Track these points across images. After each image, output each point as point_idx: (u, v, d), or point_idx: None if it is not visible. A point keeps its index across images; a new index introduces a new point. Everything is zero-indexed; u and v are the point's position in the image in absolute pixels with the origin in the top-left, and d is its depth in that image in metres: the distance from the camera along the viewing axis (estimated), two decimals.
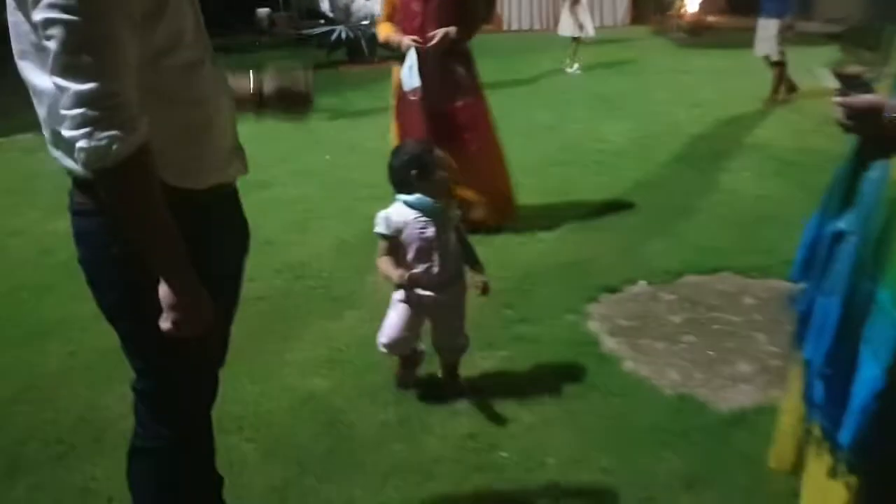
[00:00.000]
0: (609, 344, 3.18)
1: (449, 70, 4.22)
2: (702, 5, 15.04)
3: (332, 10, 14.28)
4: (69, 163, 1.45)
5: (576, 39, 10.72)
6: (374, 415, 2.72)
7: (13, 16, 1.36)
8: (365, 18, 13.70)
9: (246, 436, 2.62)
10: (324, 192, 5.47)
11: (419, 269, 2.63)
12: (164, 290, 1.44)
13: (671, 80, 9.66)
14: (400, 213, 2.64)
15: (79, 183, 1.51)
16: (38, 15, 1.26)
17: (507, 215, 4.50)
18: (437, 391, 2.84)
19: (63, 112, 1.28)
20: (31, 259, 4.35)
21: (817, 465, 1.99)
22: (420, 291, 2.66)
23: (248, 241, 1.77)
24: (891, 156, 1.73)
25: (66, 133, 1.29)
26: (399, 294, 2.73)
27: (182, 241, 1.41)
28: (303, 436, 2.64)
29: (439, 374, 2.92)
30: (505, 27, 16.16)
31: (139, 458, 1.76)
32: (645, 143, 6.43)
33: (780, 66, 7.80)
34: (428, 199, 2.62)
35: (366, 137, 6.93)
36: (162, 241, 1.40)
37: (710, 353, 3.10)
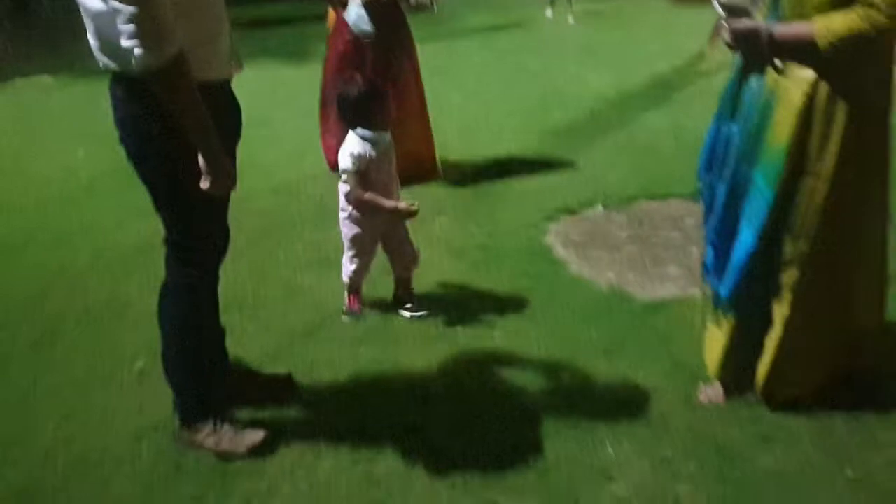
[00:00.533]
0: (560, 253, 3.68)
1: (392, 24, 4.31)
2: None
3: None
4: (112, 64, 1.94)
5: None
6: None
7: None
8: None
9: (245, 314, 3.13)
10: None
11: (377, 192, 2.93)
12: (202, 159, 1.93)
13: (660, 34, 9.91)
14: (362, 147, 2.87)
15: (120, 79, 1.99)
16: None
17: (428, 178, 4.54)
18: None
19: (120, 27, 1.77)
20: (55, 178, 4.84)
21: (711, 323, 2.51)
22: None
23: (241, 125, 2.25)
24: (765, 69, 2.20)
25: (125, 43, 1.78)
26: (353, 228, 3.01)
27: (210, 119, 1.90)
28: (292, 316, 3.15)
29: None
30: None
31: (168, 295, 2.28)
32: (623, 90, 6.85)
33: None
34: (384, 133, 2.94)
35: None
36: (197, 121, 1.90)
37: (646, 260, 3.60)
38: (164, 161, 2.04)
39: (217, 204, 2.15)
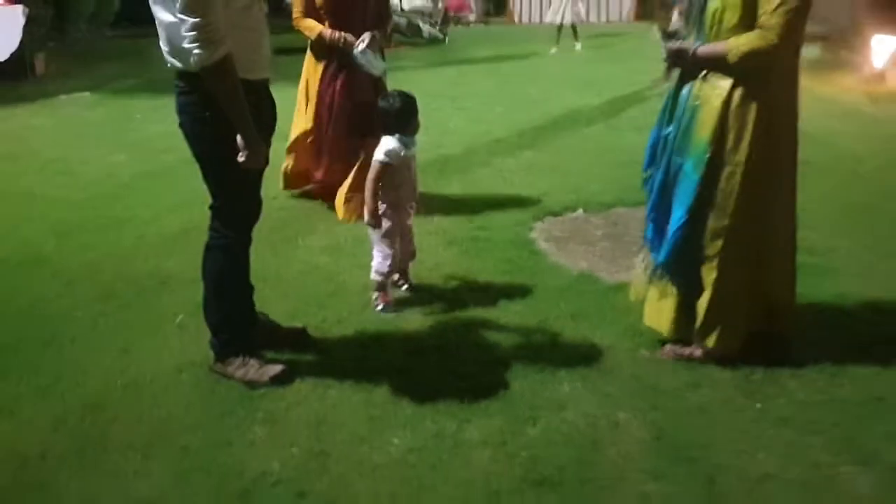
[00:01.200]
0: (542, 245, 4.22)
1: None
2: None
3: None
4: (178, 63, 2.52)
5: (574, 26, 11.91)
6: (361, 277, 3.75)
7: None
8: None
9: (269, 286, 3.66)
10: None
11: (402, 190, 3.45)
12: (240, 139, 2.51)
13: (651, 65, 10.57)
14: (398, 145, 3.36)
15: (182, 75, 2.57)
16: None
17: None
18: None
19: (183, 34, 2.36)
20: (100, 179, 5.45)
21: (651, 288, 3.04)
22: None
23: (276, 118, 2.83)
24: (694, 79, 2.77)
25: (186, 45, 2.37)
26: (385, 223, 3.42)
27: (249, 109, 2.48)
28: (310, 287, 3.70)
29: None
30: (517, 20, 17.16)
31: (212, 252, 2.84)
32: (611, 114, 7.45)
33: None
34: (414, 138, 3.46)
35: None
36: (239, 109, 2.48)
37: (616, 253, 4.13)
38: (213, 139, 2.61)
39: (252, 177, 2.73)
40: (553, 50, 12.12)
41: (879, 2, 13.20)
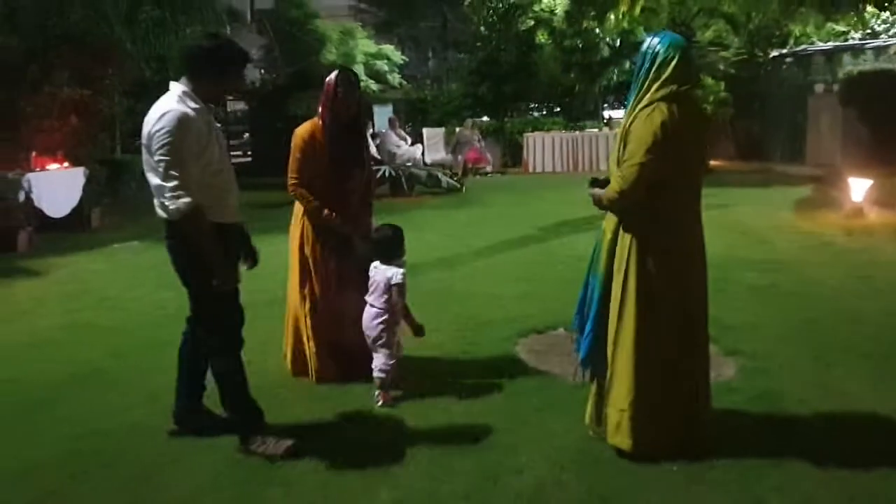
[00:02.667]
0: (524, 356, 4.92)
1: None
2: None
3: (380, 153, 16.84)
4: (162, 213, 3.41)
5: None
6: None
7: (145, 153, 3.38)
8: (408, 161, 16.20)
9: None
10: None
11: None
12: (213, 270, 3.36)
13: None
14: (402, 269, 4.20)
15: (167, 224, 3.45)
16: (154, 156, 3.28)
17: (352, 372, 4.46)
18: None
19: (164, 193, 3.25)
20: (150, 312, 6.32)
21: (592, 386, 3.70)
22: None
23: (249, 250, 3.82)
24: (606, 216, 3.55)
25: (164, 202, 3.28)
26: (391, 331, 4.18)
27: (219, 247, 3.36)
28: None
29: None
30: (530, 169, 18.49)
31: (213, 360, 3.69)
32: None
33: None
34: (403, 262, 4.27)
35: None
36: (209, 245, 3.35)
37: None
38: (192, 270, 3.48)
39: (227, 294, 3.51)
40: None
41: (852, 150, 14.33)
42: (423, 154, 17.88)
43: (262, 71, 26.01)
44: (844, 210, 10.18)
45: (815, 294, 6.34)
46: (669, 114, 3.24)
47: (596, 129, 18.94)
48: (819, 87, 16.66)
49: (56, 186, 10.35)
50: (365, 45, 23.56)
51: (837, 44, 16.87)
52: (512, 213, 11.73)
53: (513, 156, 19.29)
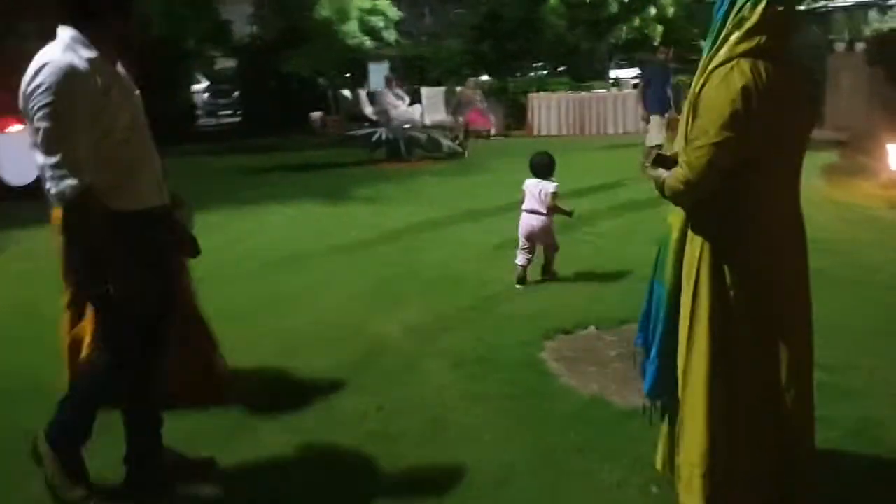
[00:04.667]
0: (553, 366, 4.09)
1: None
2: None
3: (376, 114, 15.86)
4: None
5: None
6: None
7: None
8: (406, 122, 15.24)
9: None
10: (350, 261, 6.55)
11: None
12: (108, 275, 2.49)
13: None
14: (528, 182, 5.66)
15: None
16: (33, 123, 2.41)
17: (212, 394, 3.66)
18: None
19: (45, 173, 2.39)
20: None
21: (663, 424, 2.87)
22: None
23: (183, 244, 2.93)
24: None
25: (48, 184, 2.40)
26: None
27: (133, 238, 2.52)
28: None
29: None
30: (535, 132, 17.54)
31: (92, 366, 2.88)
32: (623, 224, 7.44)
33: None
34: None
35: (389, 219, 8.13)
36: (100, 242, 2.47)
37: (630, 374, 3.97)
38: (83, 271, 2.66)
39: (130, 308, 2.59)
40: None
41: (880, 112, 13.39)
42: (421, 115, 16.92)
43: (255, 27, 24.96)
44: (881, 179, 9.32)
45: (876, 282, 5.51)
46: (754, 75, 2.32)
47: (604, 90, 17.93)
48: (840, 46, 15.64)
49: (18, 150, 9.38)
50: (360, 0, 22.47)
51: (859, 0, 15.84)
52: (518, 178, 10.77)
53: (516, 118, 18.28)
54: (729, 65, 2.36)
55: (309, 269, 6.27)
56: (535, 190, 5.57)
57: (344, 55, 20.31)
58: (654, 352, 2.70)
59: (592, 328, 4.65)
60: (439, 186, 10.67)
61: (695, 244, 2.53)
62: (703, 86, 2.41)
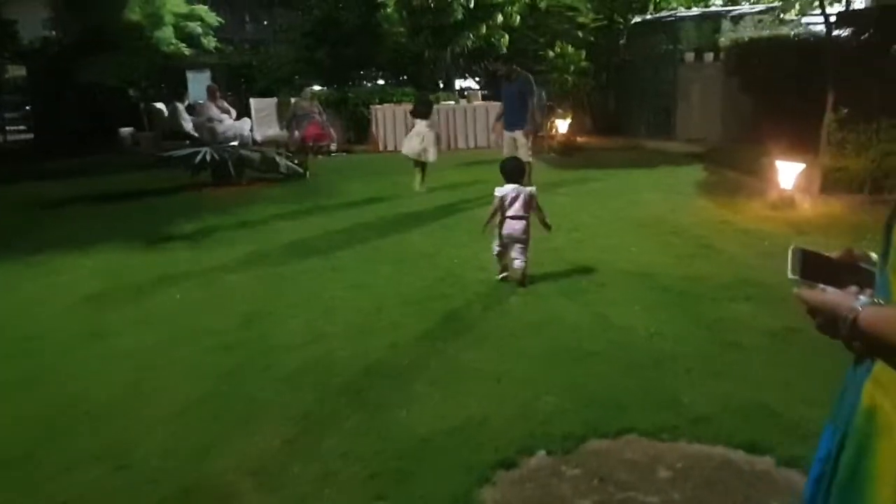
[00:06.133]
0: None
1: None
2: (570, 127, 15.50)
3: (198, 131, 13.75)
4: None
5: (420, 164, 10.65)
6: None
7: None
8: (234, 139, 13.26)
9: None
10: (168, 342, 4.70)
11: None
12: None
13: (547, 201, 9.30)
14: (505, 189, 5.48)
15: None
16: None
17: None
18: None
19: None
20: None
21: None
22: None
23: None
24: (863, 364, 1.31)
25: None
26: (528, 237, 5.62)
27: None
28: None
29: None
30: (380, 147, 16.05)
31: None
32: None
33: (528, 165, 8.28)
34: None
35: (222, 267, 6.29)
36: None
37: None
38: None
39: None
40: (417, 187, 10.66)
41: (735, 123, 13.12)
42: (252, 130, 14.94)
43: (52, 31, 21.90)
44: (771, 198, 8.64)
45: None
46: None
47: (452, 102, 16.73)
48: (689, 56, 15.38)
49: None
50: (174, 4, 20.16)
51: (706, 10, 15.64)
52: (379, 211, 9.23)
53: (357, 131, 16.69)
54: None
55: (115, 366, 4.38)
56: (516, 195, 5.59)
57: (156, 63, 17.88)
58: None
59: (542, 454, 3.19)
60: (281, 218, 8.88)
61: None
62: None
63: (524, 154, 9.35)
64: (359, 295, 5.59)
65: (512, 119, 9.70)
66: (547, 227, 5.79)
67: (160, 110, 14.76)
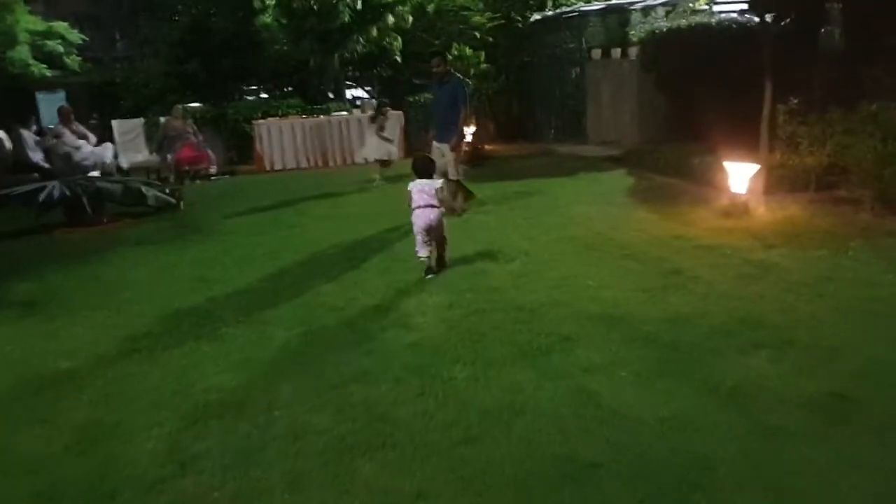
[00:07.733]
0: None
1: None
2: (475, 135, 14.27)
3: (49, 161, 11.73)
4: None
5: (383, 162, 11.72)
6: None
7: None
8: (93, 168, 11.35)
9: None
10: None
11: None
12: None
13: (469, 222, 7.95)
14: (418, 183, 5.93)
15: None
16: None
17: None
18: None
19: None
20: None
21: None
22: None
23: None
24: None
25: None
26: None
27: None
28: None
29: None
30: (267, 167, 14.34)
31: None
32: (466, 327, 4.66)
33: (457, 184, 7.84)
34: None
35: (58, 352, 4.61)
36: None
37: None
38: None
39: None
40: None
41: (653, 123, 12.21)
42: (115, 157, 12.96)
43: None
44: (721, 205, 7.60)
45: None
46: None
47: (344, 113, 15.17)
48: (596, 53, 14.40)
49: None
50: (29, 21, 17.81)
51: (611, 3, 14.70)
52: (271, 249, 7.59)
53: (240, 150, 14.89)
54: None
55: None
56: (427, 188, 5.87)
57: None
58: None
59: None
60: (143, 265, 7.16)
61: None
62: None
63: (452, 172, 8.30)
64: (241, 384, 4.04)
65: (442, 127, 8.66)
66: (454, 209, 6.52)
67: (0, 139, 12.54)
